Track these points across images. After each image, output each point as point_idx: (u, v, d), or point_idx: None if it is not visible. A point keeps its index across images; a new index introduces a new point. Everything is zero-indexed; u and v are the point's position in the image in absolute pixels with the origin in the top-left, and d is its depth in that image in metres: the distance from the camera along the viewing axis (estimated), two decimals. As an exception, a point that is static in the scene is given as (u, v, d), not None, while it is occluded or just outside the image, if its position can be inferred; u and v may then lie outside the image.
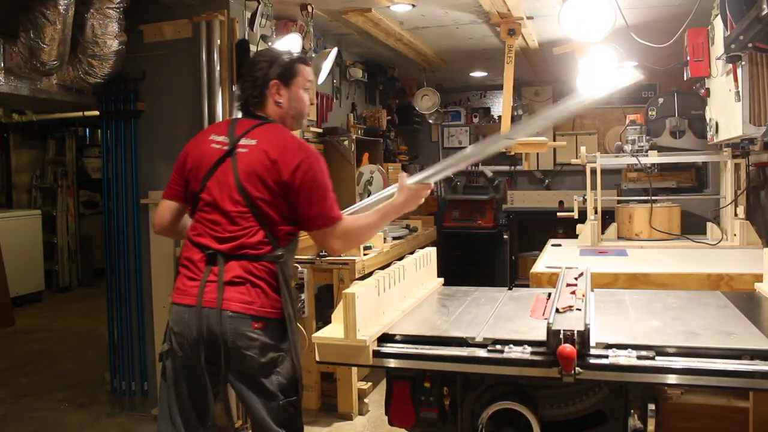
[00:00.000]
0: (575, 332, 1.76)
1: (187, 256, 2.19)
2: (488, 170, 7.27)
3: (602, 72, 4.29)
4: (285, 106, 2.26)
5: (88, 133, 8.87)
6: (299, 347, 2.20)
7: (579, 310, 2.03)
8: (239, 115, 2.35)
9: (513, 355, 1.82)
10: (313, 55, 4.28)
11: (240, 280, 2.11)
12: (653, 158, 4.44)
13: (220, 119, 3.63)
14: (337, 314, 2.01)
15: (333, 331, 2.00)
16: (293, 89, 2.28)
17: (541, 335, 1.82)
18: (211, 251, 2.13)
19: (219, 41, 3.64)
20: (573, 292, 2.26)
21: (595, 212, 4.40)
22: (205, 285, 2.10)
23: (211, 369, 2.11)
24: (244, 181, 2.13)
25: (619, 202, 4.64)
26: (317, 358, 2.01)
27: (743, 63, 2.97)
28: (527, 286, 3.06)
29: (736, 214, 4.11)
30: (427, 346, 1.94)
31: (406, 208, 2.35)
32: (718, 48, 3.49)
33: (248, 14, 3.79)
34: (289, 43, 3.71)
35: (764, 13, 2.06)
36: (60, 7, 3.03)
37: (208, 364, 2.09)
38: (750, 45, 2.43)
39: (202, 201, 2.19)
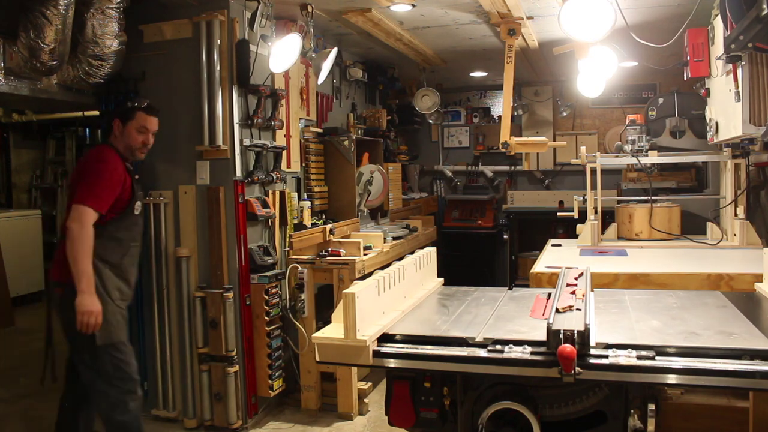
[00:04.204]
0: (575, 332, 1.76)
1: None
2: (488, 170, 7.27)
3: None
4: (119, 139, 3.07)
5: (88, 133, 8.86)
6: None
7: (579, 310, 2.03)
8: None
9: (513, 355, 1.82)
10: (313, 55, 4.28)
11: (59, 257, 2.94)
12: (653, 158, 4.44)
13: (220, 119, 3.63)
14: (337, 314, 2.01)
15: (333, 331, 2.00)
16: (127, 128, 3.06)
17: (541, 335, 1.82)
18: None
19: (219, 41, 3.64)
20: (573, 292, 2.27)
21: (595, 212, 4.40)
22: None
23: None
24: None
25: (619, 202, 4.64)
26: (317, 358, 2.01)
27: (743, 63, 2.97)
28: (527, 286, 3.06)
29: (736, 214, 4.11)
30: (428, 346, 1.94)
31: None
32: (718, 48, 3.49)
33: (248, 14, 3.79)
34: (289, 43, 3.70)
35: (764, 13, 2.06)
36: (60, 7, 3.02)
37: None
38: (750, 45, 2.43)
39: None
